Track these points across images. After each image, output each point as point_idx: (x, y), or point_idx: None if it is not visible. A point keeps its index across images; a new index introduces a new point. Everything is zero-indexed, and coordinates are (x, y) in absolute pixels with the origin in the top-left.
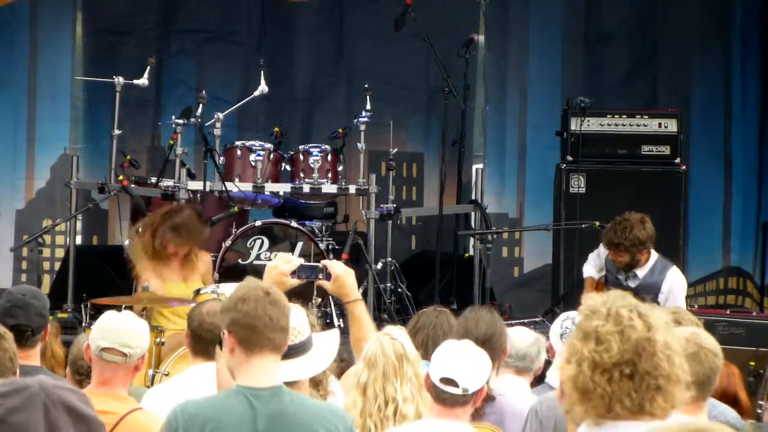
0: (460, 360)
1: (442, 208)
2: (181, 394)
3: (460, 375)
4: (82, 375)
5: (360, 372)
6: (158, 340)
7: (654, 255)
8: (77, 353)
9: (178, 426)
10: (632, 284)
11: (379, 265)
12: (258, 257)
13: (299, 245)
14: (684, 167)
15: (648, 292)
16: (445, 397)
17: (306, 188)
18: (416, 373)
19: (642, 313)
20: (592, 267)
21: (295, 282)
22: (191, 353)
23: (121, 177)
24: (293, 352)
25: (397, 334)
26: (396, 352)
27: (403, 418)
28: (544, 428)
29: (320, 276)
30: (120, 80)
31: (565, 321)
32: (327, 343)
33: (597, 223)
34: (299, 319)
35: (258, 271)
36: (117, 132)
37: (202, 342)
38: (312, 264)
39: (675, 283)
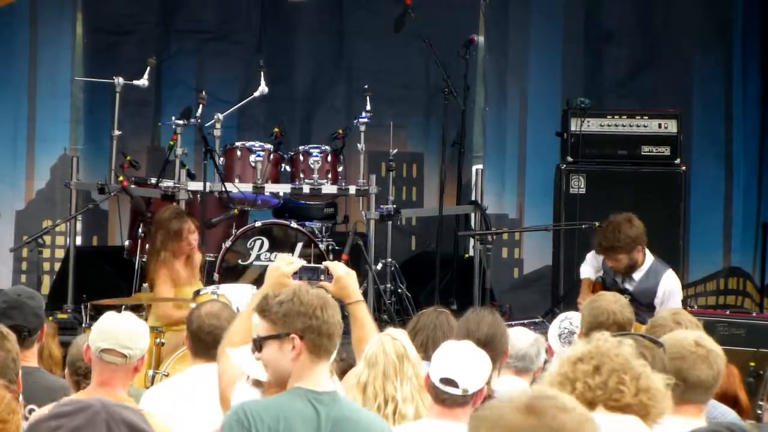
0: (460, 360)
1: (442, 208)
2: (180, 395)
3: (460, 375)
4: (80, 376)
5: (360, 371)
6: (158, 340)
7: (650, 258)
8: (76, 354)
9: (250, 425)
10: (629, 287)
11: (379, 266)
12: (258, 258)
13: (299, 246)
14: (684, 168)
15: (644, 295)
16: (444, 397)
17: (306, 189)
18: (417, 374)
19: (623, 345)
20: (589, 267)
21: (296, 283)
22: (191, 355)
23: (121, 177)
24: None
25: (398, 335)
26: (397, 351)
27: (403, 417)
28: None
29: (322, 277)
30: (120, 81)
31: (563, 321)
32: None
33: (597, 224)
34: None
35: (258, 272)
36: (117, 132)
37: (203, 344)
38: (313, 265)
39: (670, 287)
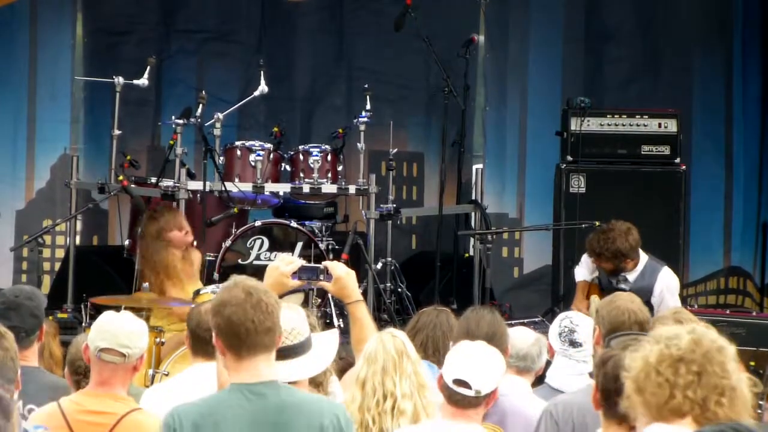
0: (473, 362)
1: (442, 208)
2: (180, 394)
3: (473, 376)
4: (80, 375)
5: (360, 368)
6: (158, 340)
7: (643, 258)
8: (75, 353)
9: (175, 426)
10: (625, 287)
11: (379, 265)
12: (258, 257)
13: (299, 245)
14: (684, 167)
15: (640, 294)
16: (457, 398)
17: (306, 188)
18: (416, 372)
19: (717, 335)
20: (584, 269)
21: (296, 283)
22: (191, 353)
23: (121, 177)
24: (292, 352)
25: (398, 333)
26: (397, 348)
27: (401, 413)
28: (561, 429)
29: (321, 277)
30: (120, 80)
31: (564, 320)
32: (326, 343)
33: (597, 223)
34: (298, 320)
35: (258, 272)
36: (117, 132)
37: (201, 341)
38: (313, 265)
39: (667, 284)
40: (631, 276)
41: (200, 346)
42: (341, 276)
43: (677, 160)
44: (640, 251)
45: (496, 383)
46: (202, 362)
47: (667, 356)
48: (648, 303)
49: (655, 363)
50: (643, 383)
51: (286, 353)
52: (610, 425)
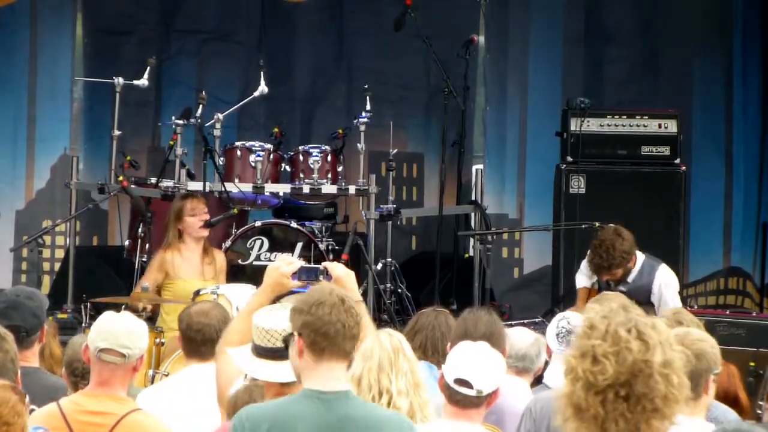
0: (475, 362)
1: (442, 208)
2: (174, 395)
3: (475, 376)
4: (77, 377)
5: (356, 365)
6: (158, 340)
7: (640, 257)
8: (72, 355)
9: (244, 430)
10: (623, 288)
11: (379, 266)
12: (258, 258)
13: (299, 246)
14: (684, 168)
15: (639, 294)
16: (459, 398)
17: (306, 189)
18: (412, 370)
19: (641, 332)
20: (584, 276)
21: (296, 284)
22: (185, 355)
23: (121, 177)
24: (289, 353)
25: (395, 333)
26: (393, 345)
27: (397, 410)
28: (537, 427)
29: (321, 278)
30: (120, 81)
31: (561, 321)
32: None
33: (597, 224)
34: None
35: (258, 272)
36: (117, 132)
37: (192, 343)
38: (313, 266)
39: (665, 281)
40: (630, 277)
41: (193, 347)
42: (341, 276)
43: (677, 161)
44: (637, 251)
45: (497, 383)
46: (196, 363)
47: (593, 385)
48: (649, 302)
49: (583, 395)
50: (577, 412)
51: (281, 354)
52: None
